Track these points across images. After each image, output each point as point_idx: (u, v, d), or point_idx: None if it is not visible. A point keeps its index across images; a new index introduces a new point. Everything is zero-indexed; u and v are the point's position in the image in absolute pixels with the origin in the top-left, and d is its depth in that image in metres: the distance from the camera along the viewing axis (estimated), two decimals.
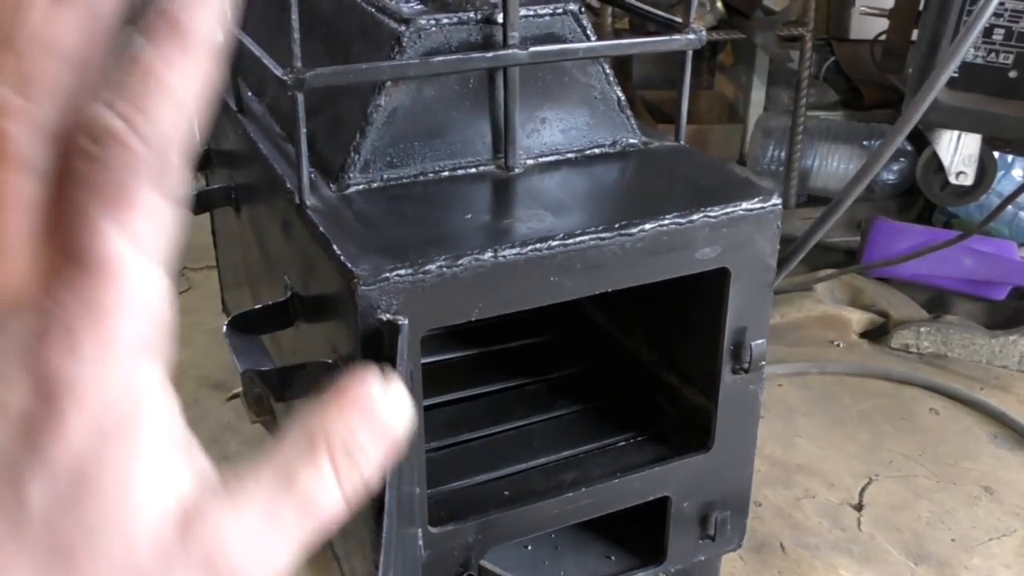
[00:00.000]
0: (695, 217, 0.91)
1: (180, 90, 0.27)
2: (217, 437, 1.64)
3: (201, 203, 1.34)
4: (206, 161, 1.47)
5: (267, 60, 0.93)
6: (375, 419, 0.32)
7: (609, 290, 0.90)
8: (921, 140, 1.86)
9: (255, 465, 0.31)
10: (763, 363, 1.01)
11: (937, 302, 2.06)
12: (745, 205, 0.93)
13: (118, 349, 0.27)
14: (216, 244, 1.68)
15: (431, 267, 0.81)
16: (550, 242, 0.85)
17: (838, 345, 1.94)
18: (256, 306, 1.03)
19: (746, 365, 1.00)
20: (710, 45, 2.83)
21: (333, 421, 0.31)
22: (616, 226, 0.88)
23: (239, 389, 1.74)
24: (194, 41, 0.28)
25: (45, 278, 0.26)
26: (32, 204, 0.26)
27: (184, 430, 0.31)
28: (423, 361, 1.26)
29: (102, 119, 0.26)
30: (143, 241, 0.27)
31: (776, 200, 0.95)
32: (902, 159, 2.44)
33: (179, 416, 0.30)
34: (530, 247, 0.85)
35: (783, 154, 2.50)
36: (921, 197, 2.25)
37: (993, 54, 1.47)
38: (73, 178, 0.26)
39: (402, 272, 0.80)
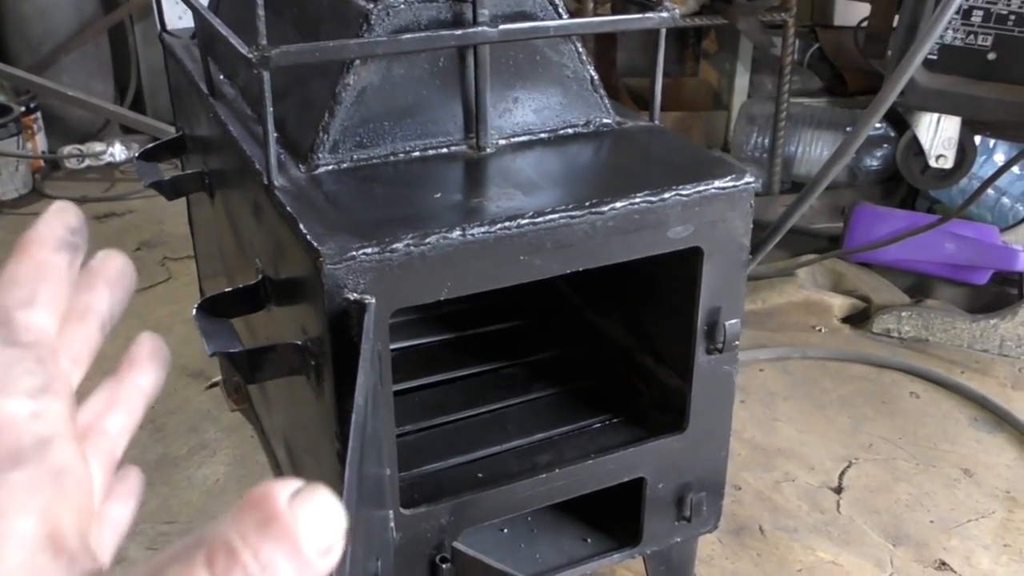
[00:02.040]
0: (667, 195, 0.90)
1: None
2: (196, 425, 1.63)
3: (175, 189, 1.33)
4: (180, 146, 1.46)
5: (234, 40, 0.91)
6: (282, 529, 0.28)
7: (580, 269, 0.89)
8: (904, 126, 1.85)
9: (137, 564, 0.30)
10: (737, 343, 1.00)
11: (919, 287, 2.06)
12: (717, 184, 0.92)
13: None
14: (193, 233, 1.67)
15: (398, 246, 0.80)
16: (519, 220, 0.85)
17: (820, 330, 1.94)
18: (226, 289, 1.02)
19: (720, 345, 0.99)
20: (694, 32, 2.82)
21: (222, 524, 0.28)
22: (586, 204, 0.87)
23: (218, 378, 1.74)
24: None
25: None
26: None
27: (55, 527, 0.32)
28: (400, 345, 1.27)
29: None
30: None
31: (749, 179, 0.94)
32: (885, 145, 2.44)
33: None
34: (499, 225, 0.84)
35: (767, 141, 2.50)
36: (905, 183, 2.25)
37: (972, 36, 1.47)
38: None
39: (369, 251, 0.79)
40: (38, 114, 2.78)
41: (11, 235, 2.44)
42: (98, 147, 2.83)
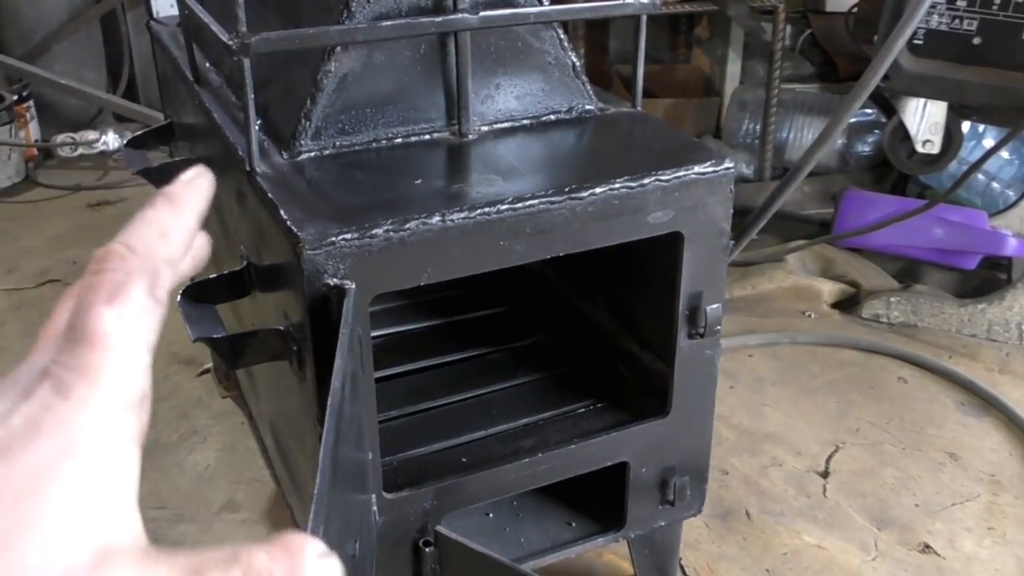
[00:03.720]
0: (646, 181, 0.91)
1: (171, 232, 0.40)
2: (187, 412, 1.64)
3: (163, 176, 1.33)
4: (169, 134, 1.46)
5: (215, 26, 0.92)
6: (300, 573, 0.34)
7: (560, 254, 0.90)
8: (894, 111, 1.85)
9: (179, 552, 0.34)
10: (719, 328, 1.01)
11: (908, 272, 2.07)
12: (697, 169, 0.93)
13: (97, 399, 0.34)
14: None
15: (378, 231, 0.81)
16: (499, 206, 0.85)
17: (809, 315, 1.95)
18: (211, 276, 1.02)
19: (702, 330, 1.00)
20: (686, 18, 2.82)
21: (261, 556, 0.34)
22: (566, 190, 0.88)
23: (209, 365, 1.74)
24: (183, 207, 0.42)
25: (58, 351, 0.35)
26: None
27: (132, 482, 0.35)
28: (386, 332, 1.27)
29: (112, 246, 0.38)
30: (130, 323, 0.36)
31: (728, 164, 0.95)
32: (876, 131, 2.44)
33: (133, 468, 0.35)
34: (479, 211, 0.84)
35: (759, 127, 2.50)
36: (896, 168, 2.25)
37: (957, 20, 1.47)
38: (86, 286, 0.36)
39: (348, 236, 0.80)
40: (31, 102, 2.78)
41: (5, 223, 2.44)
42: (91, 135, 2.83)
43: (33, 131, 2.80)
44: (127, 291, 0.36)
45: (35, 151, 2.80)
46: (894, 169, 2.30)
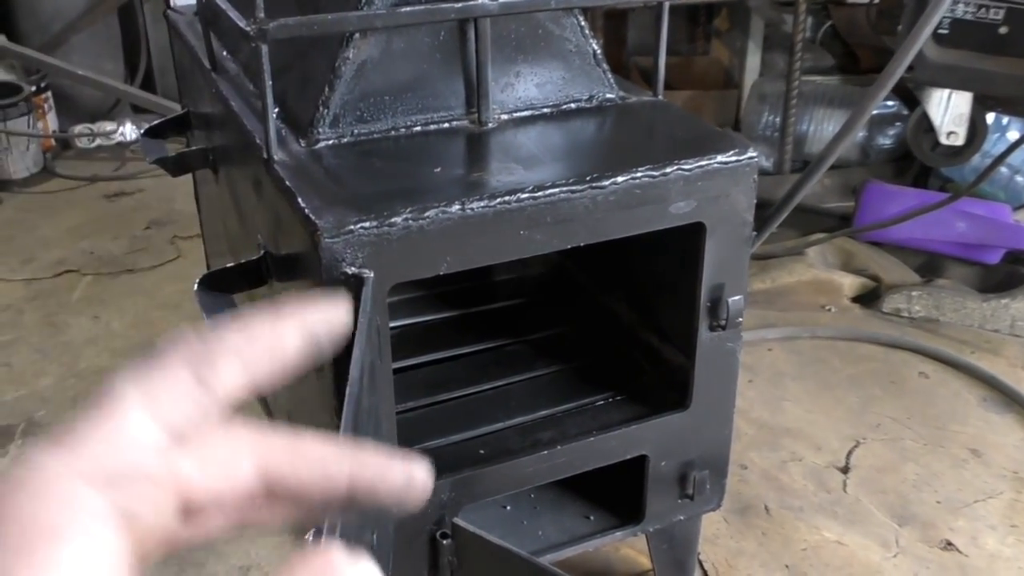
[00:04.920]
0: (668, 170, 0.89)
1: (258, 335, 0.38)
2: None
3: (179, 165, 1.32)
4: (186, 123, 1.45)
5: (232, 13, 0.91)
6: None
7: (580, 244, 0.89)
8: (915, 103, 1.83)
9: None
10: (740, 320, 0.99)
11: (930, 266, 2.04)
12: (720, 158, 0.92)
13: (56, 462, 0.31)
14: (200, 211, 1.67)
15: (397, 219, 0.80)
16: (519, 195, 0.84)
17: (830, 309, 1.93)
18: (228, 265, 1.01)
19: (723, 322, 0.98)
20: (706, 10, 2.80)
21: None
22: (587, 179, 0.86)
23: None
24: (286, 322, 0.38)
25: None
26: None
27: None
28: (404, 322, 1.26)
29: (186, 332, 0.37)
30: (150, 393, 0.34)
31: (752, 153, 0.93)
32: (897, 123, 2.41)
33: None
34: (499, 200, 0.83)
35: (778, 119, 2.48)
36: (917, 161, 2.23)
37: (983, 10, 1.44)
38: None
39: (367, 224, 0.79)
40: (49, 93, 2.78)
41: (23, 214, 2.45)
42: (109, 126, 2.84)
43: (51, 122, 2.80)
44: (162, 362, 0.34)
45: (53, 142, 2.80)
46: (916, 162, 2.28)
